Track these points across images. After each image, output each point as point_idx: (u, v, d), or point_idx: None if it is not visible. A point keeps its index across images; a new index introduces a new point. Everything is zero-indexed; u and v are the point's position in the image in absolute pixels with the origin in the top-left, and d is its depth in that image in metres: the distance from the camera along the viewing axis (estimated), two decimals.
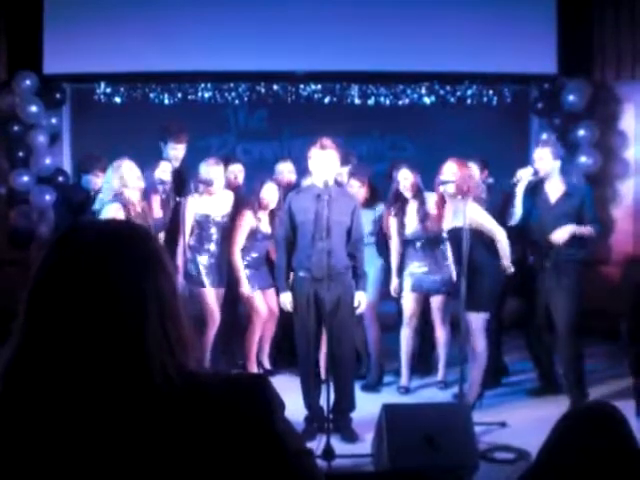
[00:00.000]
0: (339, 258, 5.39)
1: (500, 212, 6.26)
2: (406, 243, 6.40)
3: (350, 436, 5.42)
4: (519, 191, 6.09)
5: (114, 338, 1.28)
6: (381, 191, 6.81)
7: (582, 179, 7.57)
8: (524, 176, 6.09)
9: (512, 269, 5.91)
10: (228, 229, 6.50)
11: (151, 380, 1.27)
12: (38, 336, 1.28)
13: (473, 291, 5.68)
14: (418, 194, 6.32)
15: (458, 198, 5.76)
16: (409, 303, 6.43)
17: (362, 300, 5.60)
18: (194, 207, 6.34)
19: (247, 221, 6.56)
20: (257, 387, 1.36)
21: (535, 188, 6.13)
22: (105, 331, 1.28)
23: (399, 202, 6.40)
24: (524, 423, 5.56)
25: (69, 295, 1.29)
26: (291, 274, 5.63)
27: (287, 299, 5.58)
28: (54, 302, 1.29)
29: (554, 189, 6.08)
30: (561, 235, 5.93)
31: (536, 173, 6.06)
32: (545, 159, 6.04)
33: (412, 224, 6.33)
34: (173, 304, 1.37)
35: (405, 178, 6.33)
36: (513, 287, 6.45)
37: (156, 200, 6.22)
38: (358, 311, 5.65)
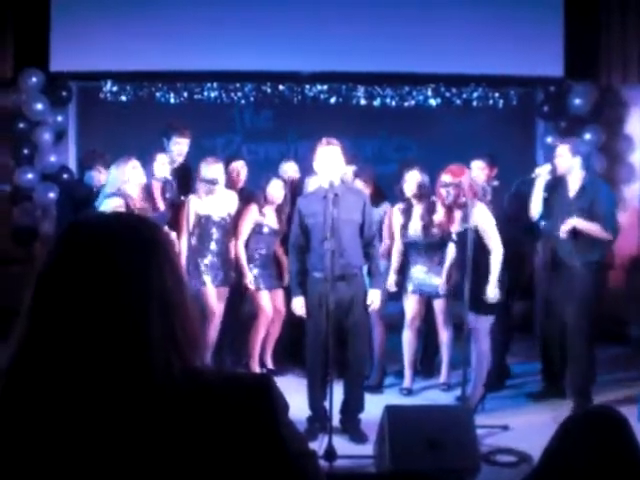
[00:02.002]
0: (352, 257, 5.38)
1: (511, 213, 6.26)
2: (409, 245, 6.42)
3: (359, 437, 5.42)
4: (538, 187, 6.08)
5: (117, 333, 1.27)
6: (387, 192, 6.82)
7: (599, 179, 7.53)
8: (542, 173, 6.09)
9: (496, 296, 5.82)
10: (230, 229, 6.52)
11: (153, 376, 1.26)
12: (42, 332, 1.28)
13: (478, 294, 5.68)
14: (424, 198, 6.32)
15: (467, 201, 5.72)
16: (411, 305, 6.46)
17: (375, 298, 5.55)
18: (196, 207, 6.36)
19: (252, 215, 6.60)
20: (261, 387, 1.36)
21: (556, 185, 6.10)
22: (108, 326, 1.27)
23: (406, 202, 6.42)
24: (527, 426, 5.55)
25: (72, 290, 1.28)
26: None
27: (299, 304, 5.54)
28: (58, 297, 1.29)
29: (574, 185, 6.03)
30: (566, 227, 5.88)
31: (554, 170, 6.04)
32: (564, 155, 6.01)
33: (415, 227, 6.34)
34: (179, 299, 1.35)
35: (412, 179, 6.32)
36: (521, 290, 6.43)
37: (157, 196, 6.23)
38: (370, 309, 5.62)
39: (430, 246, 6.34)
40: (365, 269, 5.66)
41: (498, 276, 5.81)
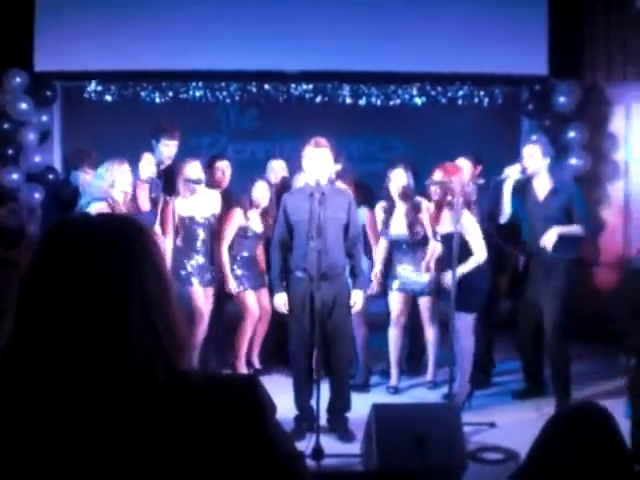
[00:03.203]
0: (336, 257, 5.38)
1: (489, 210, 6.28)
2: (394, 243, 6.43)
3: (347, 436, 5.43)
4: (507, 188, 6.08)
5: (97, 334, 1.27)
6: (374, 191, 6.84)
7: (571, 179, 7.58)
8: (512, 174, 6.08)
9: (448, 284, 5.78)
10: (215, 228, 6.51)
11: (133, 377, 1.26)
12: (25, 333, 1.28)
13: (461, 292, 5.69)
14: (408, 197, 6.32)
15: (454, 203, 5.73)
16: (396, 303, 6.47)
17: (358, 299, 5.57)
18: (179, 208, 6.34)
19: (236, 219, 6.58)
20: (248, 389, 1.36)
21: (524, 186, 6.11)
22: (88, 326, 1.27)
23: (389, 201, 6.42)
24: (513, 424, 5.58)
25: (54, 291, 1.28)
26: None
27: (281, 300, 5.54)
28: (40, 298, 1.29)
29: (542, 187, 6.06)
30: (549, 239, 5.91)
31: (524, 170, 6.04)
32: (535, 156, 6.02)
33: (398, 227, 6.35)
34: (163, 300, 1.35)
35: (397, 178, 6.33)
36: (505, 287, 6.45)
37: (143, 196, 6.21)
38: (353, 310, 5.63)
39: (415, 244, 6.35)
40: (348, 269, 5.66)
41: (473, 270, 5.84)
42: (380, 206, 6.52)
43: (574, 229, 5.98)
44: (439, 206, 6.04)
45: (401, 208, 6.38)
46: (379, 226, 6.51)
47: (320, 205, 5.14)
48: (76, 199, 6.04)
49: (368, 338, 6.63)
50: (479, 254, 5.87)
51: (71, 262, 1.30)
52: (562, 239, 5.94)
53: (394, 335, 6.50)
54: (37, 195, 7.97)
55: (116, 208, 5.59)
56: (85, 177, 6.35)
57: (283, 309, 5.56)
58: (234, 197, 6.80)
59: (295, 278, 5.46)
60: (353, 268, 5.61)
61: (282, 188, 6.77)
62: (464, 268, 5.81)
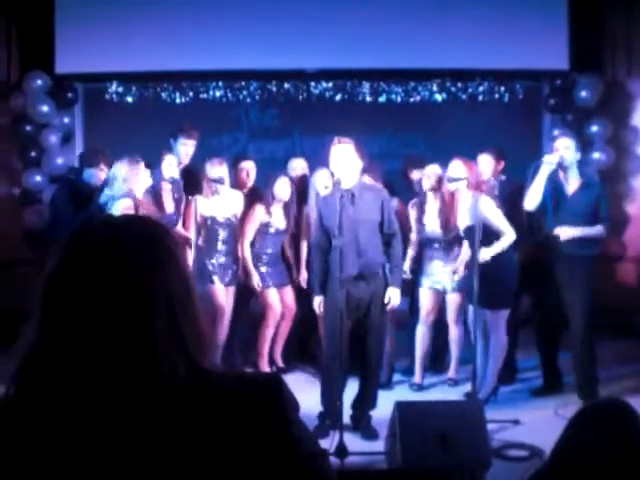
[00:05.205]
0: (371, 257, 5.37)
1: (515, 203, 6.22)
2: (424, 240, 6.39)
3: (370, 434, 5.43)
4: (542, 175, 5.92)
5: (122, 334, 1.28)
6: (395, 188, 6.82)
7: (596, 176, 7.53)
8: (552, 161, 5.94)
9: (485, 259, 5.71)
10: (236, 228, 6.53)
11: (159, 377, 1.27)
12: (50, 333, 1.29)
13: (493, 288, 5.64)
14: (441, 193, 6.28)
15: (471, 195, 5.73)
16: (426, 301, 6.42)
17: (394, 297, 5.52)
18: (201, 208, 6.37)
19: (257, 215, 6.60)
20: (272, 388, 1.36)
21: (552, 179, 6.01)
22: (115, 329, 1.28)
23: (421, 196, 6.40)
24: (537, 420, 5.54)
25: (79, 292, 1.30)
26: None
27: (317, 302, 5.56)
28: (65, 299, 1.30)
29: (572, 181, 6.00)
30: (564, 233, 5.88)
31: (562, 162, 5.94)
32: (571, 149, 5.96)
33: (431, 223, 6.31)
34: (186, 301, 1.36)
35: (431, 173, 6.29)
36: (527, 283, 6.41)
37: (167, 197, 6.24)
38: (389, 307, 5.58)
39: (447, 241, 6.32)
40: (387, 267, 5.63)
41: (503, 265, 5.81)
42: (412, 203, 6.49)
43: (596, 230, 5.94)
44: (454, 202, 6.03)
45: (433, 204, 6.35)
46: (412, 222, 6.46)
47: (351, 206, 5.16)
48: (91, 197, 6.03)
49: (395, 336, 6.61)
50: (509, 234, 5.82)
51: (96, 263, 1.31)
52: (584, 237, 5.91)
53: (422, 333, 6.45)
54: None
55: (140, 205, 5.62)
56: (100, 175, 6.31)
57: (319, 312, 5.58)
58: (258, 195, 6.82)
59: (334, 278, 5.43)
60: (390, 266, 5.58)
61: (302, 186, 6.80)
62: (497, 247, 5.77)
